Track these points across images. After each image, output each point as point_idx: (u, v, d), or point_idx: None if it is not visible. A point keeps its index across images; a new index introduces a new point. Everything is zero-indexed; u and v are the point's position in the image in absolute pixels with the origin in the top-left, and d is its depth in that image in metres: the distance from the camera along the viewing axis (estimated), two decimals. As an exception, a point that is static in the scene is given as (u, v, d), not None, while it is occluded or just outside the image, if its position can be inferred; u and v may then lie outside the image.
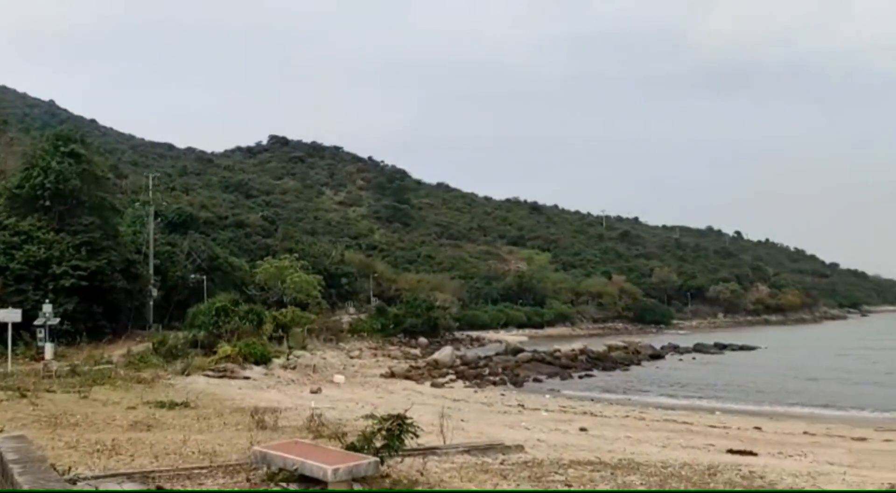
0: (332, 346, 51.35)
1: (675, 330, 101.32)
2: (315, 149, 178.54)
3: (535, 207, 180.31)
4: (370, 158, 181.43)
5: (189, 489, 8.10)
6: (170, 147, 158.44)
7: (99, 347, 31.17)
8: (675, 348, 57.56)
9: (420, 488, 7.82)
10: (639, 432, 17.44)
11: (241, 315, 35.67)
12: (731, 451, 13.66)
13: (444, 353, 44.98)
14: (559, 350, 49.29)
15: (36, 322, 28.98)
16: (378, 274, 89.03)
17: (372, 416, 8.86)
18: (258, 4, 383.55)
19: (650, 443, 14.75)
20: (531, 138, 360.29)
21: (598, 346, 53.82)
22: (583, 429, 17.25)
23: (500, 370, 39.72)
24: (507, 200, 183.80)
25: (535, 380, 36.83)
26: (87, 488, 7.68)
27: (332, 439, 10.16)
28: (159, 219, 55.25)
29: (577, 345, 52.69)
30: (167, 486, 8.16)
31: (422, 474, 8.33)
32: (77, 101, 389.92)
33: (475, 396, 28.45)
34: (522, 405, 24.41)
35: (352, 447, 8.27)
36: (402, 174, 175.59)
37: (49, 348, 27.42)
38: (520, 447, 11.20)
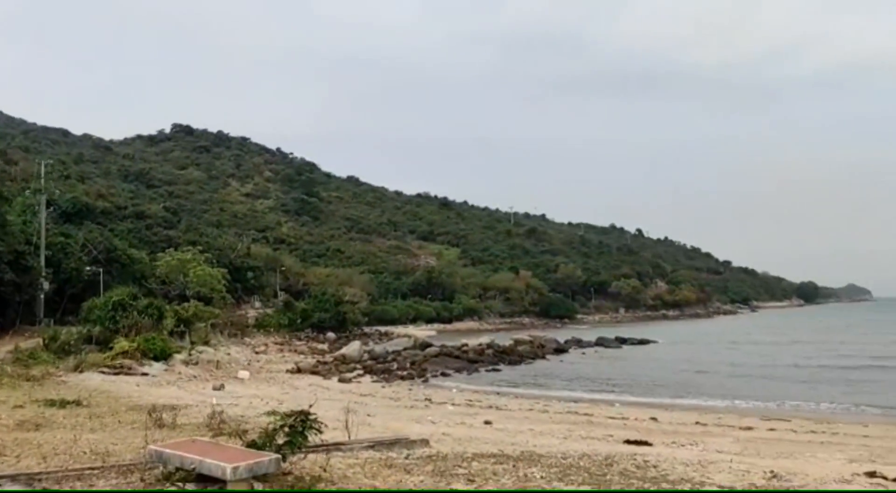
0: (237, 341, 50.21)
1: (579, 325, 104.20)
2: (221, 139, 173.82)
3: (444, 203, 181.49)
4: (278, 149, 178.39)
5: (79, 489, 7.75)
6: (65, 133, 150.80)
7: (-17, 343, 29.40)
8: (579, 343, 59.16)
9: (322, 485, 7.75)
10: (542, 424, 17.85)
11: (141, 310, 34.31)
12: (627, 441, 14.16)
13: (352, 348, 44.69)
14: (467, 345, 49.75)
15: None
16: (285, 268, 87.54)
17: (274, 412, 8.71)
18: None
19: (552, 435, 15.11)
20: (442, 134, 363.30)
21: (504, 340, 54.68)
22: (488, 422, 17.51)
23: (408, 365, 39.80)
24: (418, 196, 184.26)
25: (443, 374, 37.09)
26: (-35, 493, 7.24)
27: (232, 436, 9.93)
28: (52, 208, 52.36)
29: (485, 339, 53.31)
30: (55, 488, 7.79)
31: (325, 470, 8.25)
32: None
33: (383, 391, 28.42)
34: (429, 400, 24.55)
35: (253, 445, 8.11)
36: (312, 167, 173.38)
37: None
38: (425, 442, 11.26)
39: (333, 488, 7.72)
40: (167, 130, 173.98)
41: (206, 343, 38.30)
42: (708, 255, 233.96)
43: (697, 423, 19.43)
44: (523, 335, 61.23)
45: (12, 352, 27.66)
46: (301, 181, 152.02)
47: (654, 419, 20.27)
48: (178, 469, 7.65)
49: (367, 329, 75.17)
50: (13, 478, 8.10)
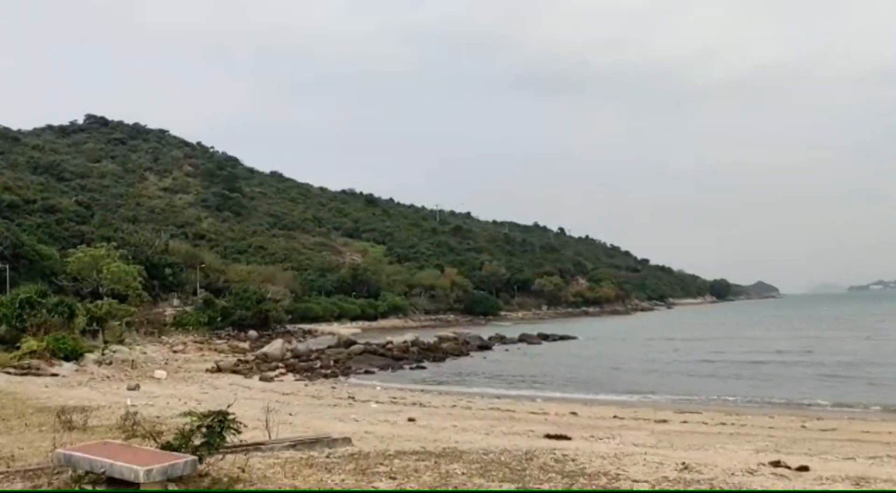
0: (154, 340, 48.91)
1: (503, 321, 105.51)
2: (138, 131, 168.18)
3: (370, 200, 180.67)
4: (199, 143, 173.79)
5: (-20, 497, 7.39)
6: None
7: None
8: (502, 339, 59.88)
9: (241, 485, 7.61)
10: (465, 420, 17.98)
11: (50, 308, 32.95)
12: (548, 436, 14.42)
13: (275, 346, 44.00)
14: (391, 342, 49.72)
15: None
16: (206, 265, 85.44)
17: (192, 413, 8.49)
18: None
19: (475, 431, 15.24)
20: (368, 131, 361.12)
21: (429, 337, 54.92)
22: (411, 420, 17.52)
23: (331, 363, 39.46)
24: (343, 192, 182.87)
25: (367, 372, 36.94)
26: None
27: (146, 438, 9.63)
28: (-47, 201, 49.64)
29: (410, 336, 53.43)
30: (-47, 496, 7.40)
31: (243, 471, 8.10)
32: None
33: (305, 389, 28.09)
34: (353, 398, 24.40)
35: (168, 447, 7.89)
36: (234, 162, 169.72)
37: None
38: (347, 440, 11.19)
39: (252, 488, 7.60)
40: (80, 121, 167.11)
41: (121, 342, 37.12)
42: (627, 253, 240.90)
43: (615, 417, 19.94)
44: (448, 332, 61.62)
45: None
46: (222, 176, 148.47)
47: (574, 413, 20.71)
48: (87, 473, 7.38)
49: (290, 327, 74.27)
50: None
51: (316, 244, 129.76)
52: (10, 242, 51.23)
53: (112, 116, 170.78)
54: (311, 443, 10.53)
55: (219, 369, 34.57)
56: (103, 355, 31.26)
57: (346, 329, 77.89)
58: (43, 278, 47.21)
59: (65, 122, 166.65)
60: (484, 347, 53.39)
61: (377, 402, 23.11)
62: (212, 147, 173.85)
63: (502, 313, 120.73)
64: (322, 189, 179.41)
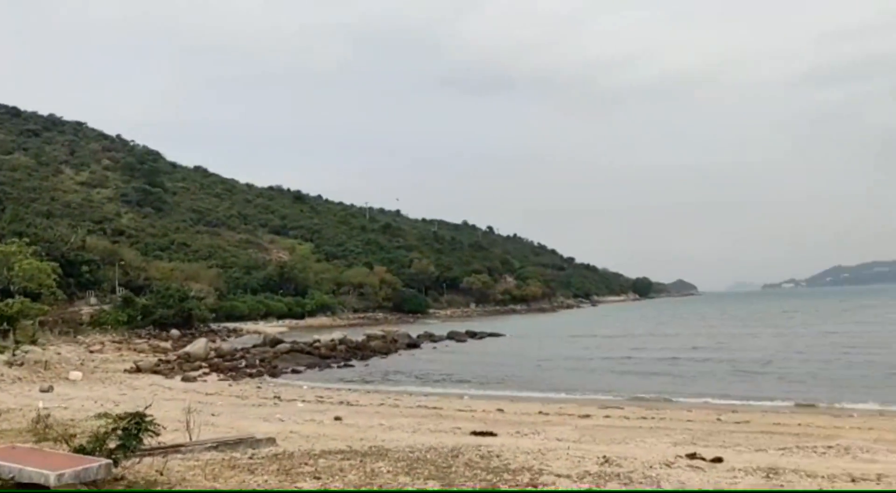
0: (69, 340, 47.19)
1: (432, 319, 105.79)
2: (53, 122, 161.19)
3: (298, 197, 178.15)
4: (118, 136, 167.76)
5: None
6: None
7: None
8: (431, 337, 60.04)
9: (159, 488, 7.40)
10: (392, 418, 17.96)
11: (-45, 306, 31.27)
12: (474, 433, 14.55)
13: (198, 345, 42.92)
14: (319, 341, 49.27)
15: None
16: (125, 262, 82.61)
17: (107, 415, 8.21)
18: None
19: (401, 429, 15.25)
20: (296, 127, 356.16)
21: (357, 336, 54.61)
22: (338, 418, 17.40)
23: (257, 362, 38.79)
24: (270, 188, 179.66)
25: (294, 371, 36.46)
26: None
27: (58, 441, 9.26)
28: None
29: (337, 335, 52.99)
30: None
31: (161, 474, 7.89)
32: None
33: (230, 389, 27.54)
34: (279, 397, 24.07)
35: (81, 450, 7.60)
36: (156, 156, 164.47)
37: None
38: (271, 440, 11.03)
39: (169, 489, 7.40)
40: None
41: (34, 342, 35.63)
42: (553, 252, 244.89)
43: (540, 413, 20.26)
44: (376, 331, 61.39)
45: None
46: (143, 170, 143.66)
47: (500, 410, 20.95)
48: (-6, 479, 7.05)
49: (214, 326, 72.66)
50: None
51: (241, 241, 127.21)
52: (-89, 238, 48.49)
53: (25, 106, 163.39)
54: (234, 444, 10.33)
55: (138, 370, 33.59)
56: (14, 355, 29.92)
57: (273, 328, 76.69)
58: (-53, 276, 44.81)
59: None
60: (412, 345, 53.41)
61: (303, 401, 22.85)
62: (132, 141, 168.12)
63: (431, 310, 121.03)
64: (248, 185, 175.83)
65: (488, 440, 12.99)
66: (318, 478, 8.30)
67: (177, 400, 20.42)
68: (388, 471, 8.77)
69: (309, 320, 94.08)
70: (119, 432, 7.63)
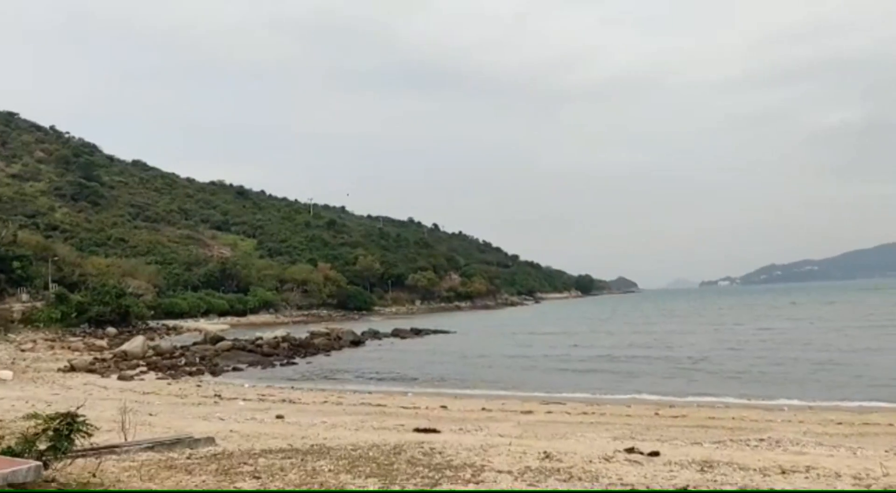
0: (0, 338, 45.52)
1: (377, 316, 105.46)
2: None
3: (241, 192, 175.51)
4: (52, 127, 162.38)
5: None
6: None
7: None
8: (376, 334, 59.86)
9: (91, 489, 7.20)
10: (335, 416, 17.85)
11: None
12: (417, 429, 14.56)
13: (135, 343, 41.93)
14: (262, 338, 48.68)
15: None
16: (59, 258, 80.00)
17: (37, 415, 7.95)
18: None
19: (344, 427, 15.18)
20: (239, 121, 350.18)
21: (301, 333, 54.10)
22: (280, 417, 17.21)
23: (197, 360, 38.08)
24: (212, 183, 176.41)
25: (235, 369, 35.92)
26: None
27: (-15, 444, 8.93)
28: None
29: (280, 332, 52.42)
30: None
31: (94, 475, 7.68)
32: None
33: (168, 388, 26.95)
34: (219, 396, 23.66)
35: (9, 451, 7.34)
36: (92, 148, 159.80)
37: None
38: (210, 440, 10.85)
39: (103, 490, 7.21)
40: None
41: (-40, 341, 34.15)
42: (498, 249, 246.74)
43: (483, 409, 20.39)
44: (320, 328, 60.93)
45: None
46: (79, 163, 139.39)
47: (444, 407, 21.00)
48: (-86, 485, 6.76)
49: (153, 323, 71.04)
50: None
51: (182, 237, 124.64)
52: None
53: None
54: (171, 444, 10.13)
55: (73, 369, 32.68)
56: (-62, 355, 28.72)
57: (214, 325, 75.40)
58: None
59: None
60: (356, 342, 53.14)
61: (245, 400, 22.52)
62: (67, 133, 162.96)
63: (376, 308, 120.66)
64: (189, 180, 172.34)
65: (431, 436, 13.02)
66: (258, 478, 8.21)
67: (112, 400, 19.91)
68: (330, 469, 8.72)
69: (251, 318, 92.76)
70: (49, 432, 7.40)
